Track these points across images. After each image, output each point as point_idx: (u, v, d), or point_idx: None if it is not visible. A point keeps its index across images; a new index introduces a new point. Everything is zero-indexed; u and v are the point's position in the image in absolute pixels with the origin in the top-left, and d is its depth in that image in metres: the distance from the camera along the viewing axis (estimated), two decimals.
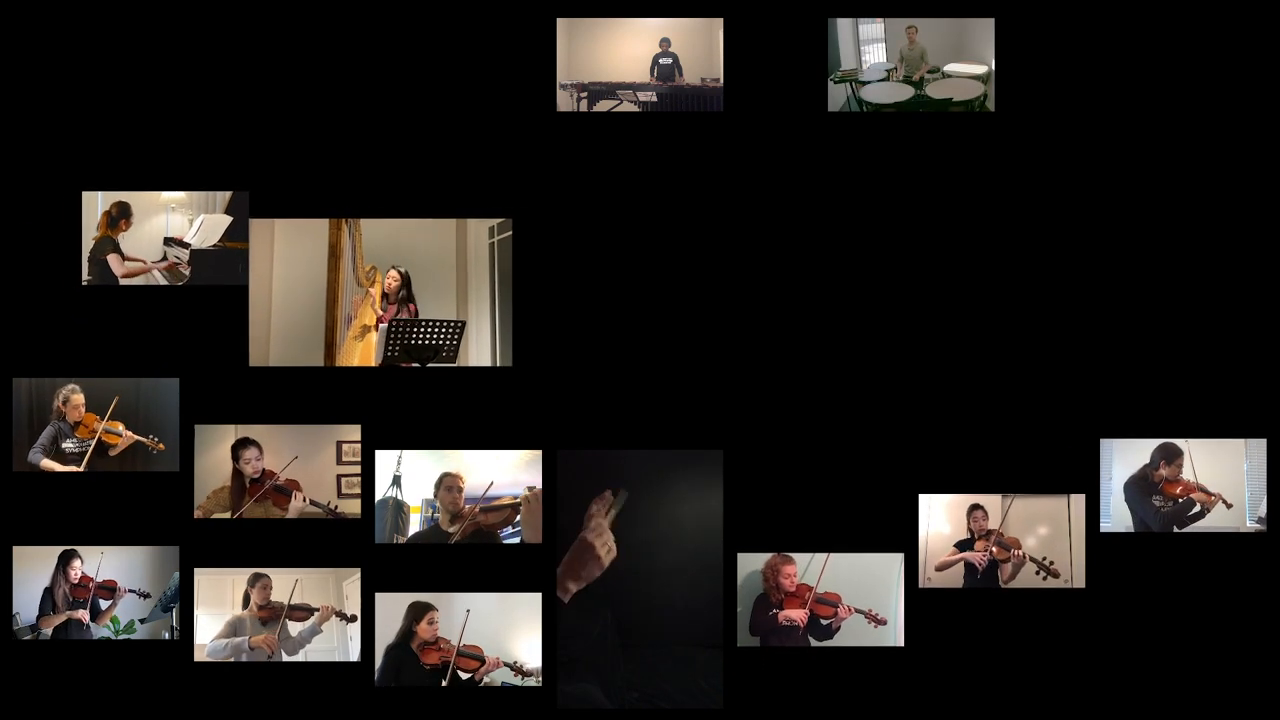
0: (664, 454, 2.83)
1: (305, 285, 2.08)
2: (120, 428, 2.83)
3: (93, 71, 2.85)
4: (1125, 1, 2.83)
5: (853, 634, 2.81)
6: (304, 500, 2.84)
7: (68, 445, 2.83)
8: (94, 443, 2.82)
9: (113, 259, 2.83)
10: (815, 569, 2.81)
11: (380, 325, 2.00)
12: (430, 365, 2.10)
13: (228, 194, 2.82)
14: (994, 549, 2.81)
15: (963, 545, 2.84)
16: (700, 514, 2.82)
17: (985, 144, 2.84)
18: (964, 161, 2.84)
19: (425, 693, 2.81)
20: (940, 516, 2.83)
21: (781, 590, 2.82)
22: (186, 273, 2.84)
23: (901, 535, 2.83)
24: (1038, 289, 2.83)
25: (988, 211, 2.83)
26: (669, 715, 2.79)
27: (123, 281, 2.83)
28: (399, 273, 2.04)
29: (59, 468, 2.83)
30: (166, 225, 2.83)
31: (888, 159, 2.85)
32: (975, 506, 2.83)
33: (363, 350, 2.07)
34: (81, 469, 2.83)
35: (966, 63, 2.88)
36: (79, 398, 2.82)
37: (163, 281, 2.84)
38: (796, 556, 2.81)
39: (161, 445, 2.83)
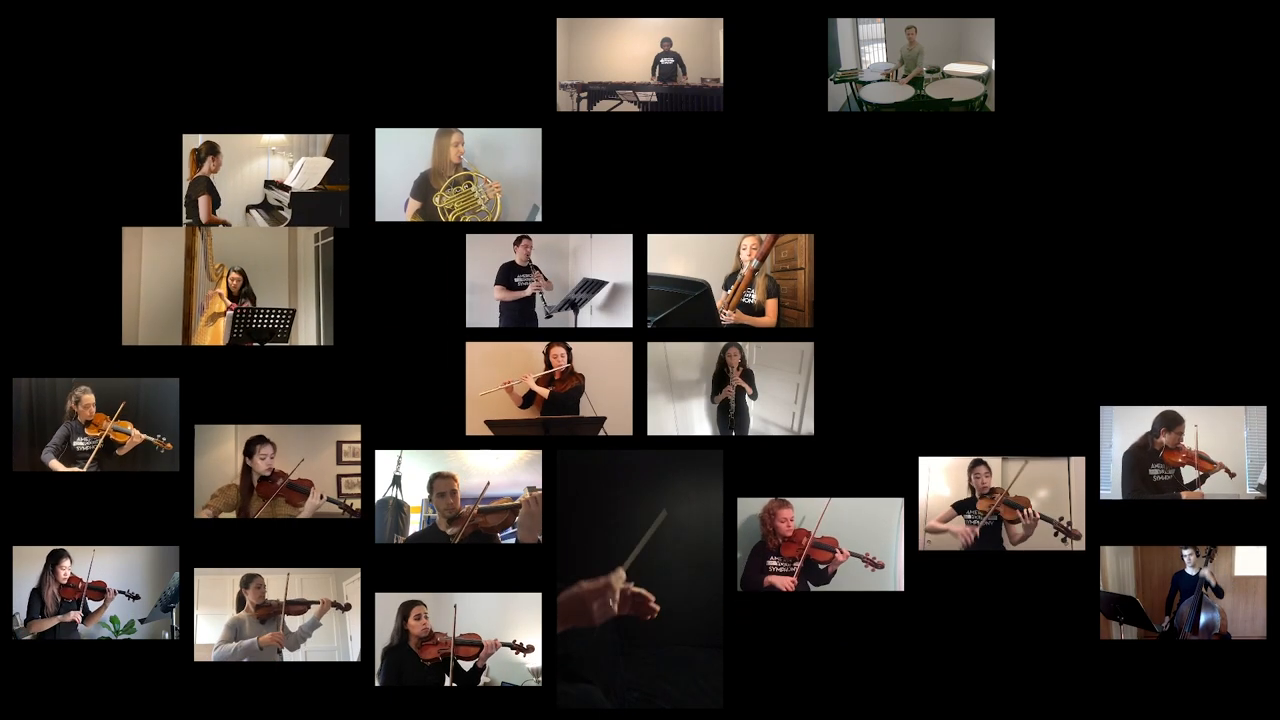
0: (664, 454, 2.83)
1: (167, 280, 2.56)
2: (129, 427, 2.84)
3: (194, 14, 2.85)
4: (1125, 1, 2.84)
5: (850, 579, 2.82)
6: (321, 498, 2.84)
7: (79, 444, 2.84)
8: (101, 440, 2.82)
9: (203, 201, 2.83)
10: (815, 514, 2.82)
11: (228, 312, 2.53)
12: (268, 344, 2.56)
13: (328, 137, 2.86)
14: (1001, 508, 2.82)
15: (961, 506, 2.85)
16: (700, 514, 2.82)
17: (985, 144, 2.84)
18: (964, 161, 2.84)
19: (425, 692, 2.80)
20: (940, 479, 2.84)
21: (779, 535, 2.82)
22: (287, 215, 2.86)
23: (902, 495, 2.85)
24: (1038, 279, 2.82)
25: (988, 210, 2.83)
26: (669, 715, 2.78)
27: (205, 222, 2.83)
28: (238, 274, 2.56)
29: (69, 469, 2.84)
30: (267, 168, 2.86)
31: (888, 159, 2.85)
32: (978, 462, 2.84)
33: (213, 332, 2.58)
34: (86, 468, 2.83)
35: (966, 63, 2.88)
36: (90, 397, 2.84)
37: (263, 225, 2.87)
38: (795, 502, 2.82)
39: (169, 445, 2.83)
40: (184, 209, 2.84)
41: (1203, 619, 2.79)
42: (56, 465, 2.83)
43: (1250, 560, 2.81)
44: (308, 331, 2.62)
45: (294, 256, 2.67)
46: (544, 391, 2.87)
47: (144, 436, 2.84)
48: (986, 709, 2.81)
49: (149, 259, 2.66)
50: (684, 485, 2.82)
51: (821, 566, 2.81)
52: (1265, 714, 2.78)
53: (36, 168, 2.83)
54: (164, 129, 2.84)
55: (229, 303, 2.61)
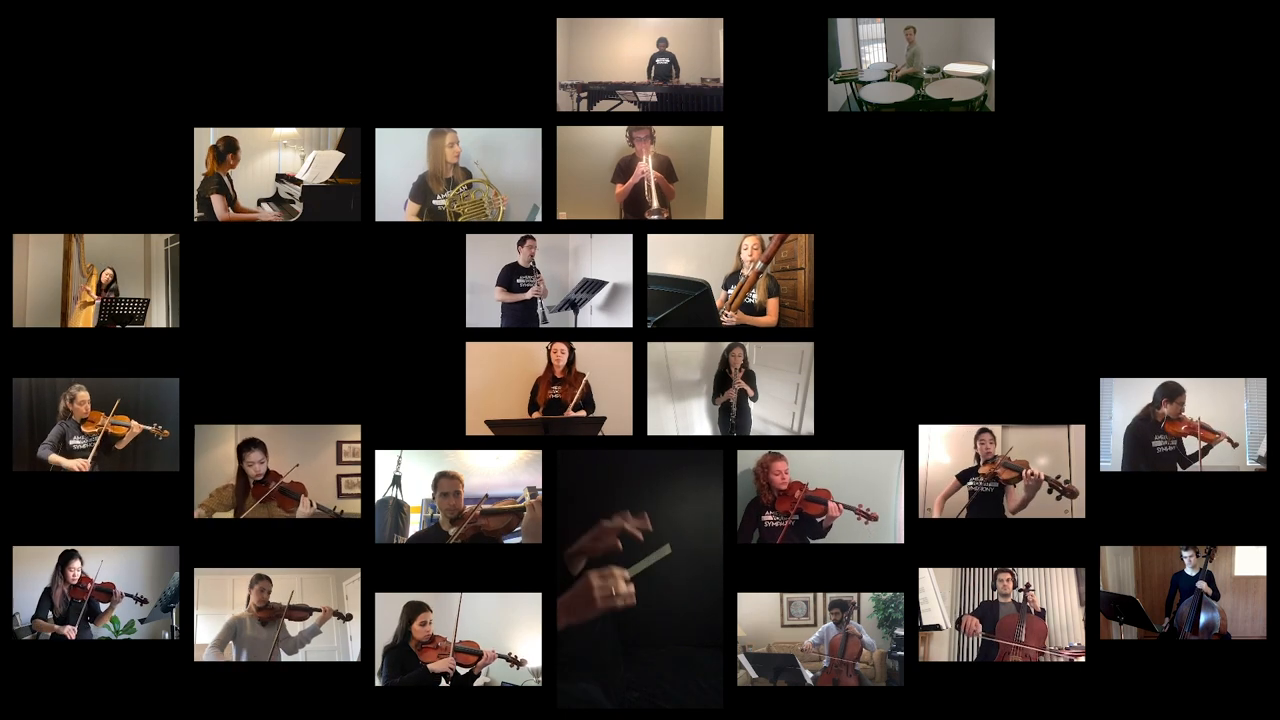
0: (664, 454, 2.83)
1: (49, 274, 2.92)
2: (126, 420, 2.84)
3: (196, 13, 2.85)
4: (1125, 2, 2.84)
5: (846, 531, 2.83)
6: (311, 505, 2.85)
7: (75, 442, 2.85)
8: (100, 435, 2.83)
9: (216, 200, 2.88)
10: (811, 469, 2.83)
11: (96, 300, 2.92)
12: (128, 327, 2.90)
13: (339, 130, 2.87)
14: (1001, 470, 2.82)
15: (964, 476, 2.85)
16: (700, 514, 2.82)
17: (985, 144, 2.84)
18: (964, 161, 2.84)
19: (425, 693, 2.80)
20: (940, 448, 2.85)
21: (773, 489, 2.83)
22: (298, 209, 2.88)
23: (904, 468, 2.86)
24: (1037, 281, 2.83)
25: (988, 210, 2.83)
26: (669, 715, 2.78)
27: (222, 220, 2.89)
28: (111, 270, 2.90)
29: (68, 463, 2.84)
30: (279, 161, 2.91)
31: (888, 159, 2.85)
32: (983, 429, 2.84)
33: (84, 317, 2.92)
34: (88, 464, 2.84)
35: (966, 63, 2.88)
36: (85, 394, 2.84)
37: (274, 217, 2.92)
38: (789, 454, 2.83)
39: (166, 432, 2.84)
40: (195, 204, 2.86)
41: (1203, 619, 2.79)
42: (56, 459, 2.83)
43: (1250, 560, 2.81)
44: (159, 316, 2.91)
45: (149, 257, 2.92)
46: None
47: (142, 427, 2.84)
48: (986, 708, 2.82)
49: (34, 259, 2.89)
50: (684, 485, 2.83)
51: (818, 520, 2.82)
52: (1265, 714, 2.79)
53: (39, 164, 2.84)
54: (169, 124, 2.86)
55: (96, 295, 2.91)
